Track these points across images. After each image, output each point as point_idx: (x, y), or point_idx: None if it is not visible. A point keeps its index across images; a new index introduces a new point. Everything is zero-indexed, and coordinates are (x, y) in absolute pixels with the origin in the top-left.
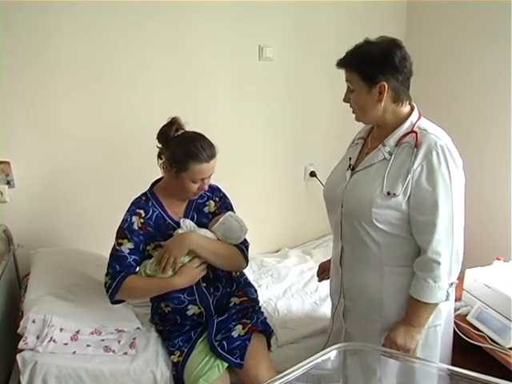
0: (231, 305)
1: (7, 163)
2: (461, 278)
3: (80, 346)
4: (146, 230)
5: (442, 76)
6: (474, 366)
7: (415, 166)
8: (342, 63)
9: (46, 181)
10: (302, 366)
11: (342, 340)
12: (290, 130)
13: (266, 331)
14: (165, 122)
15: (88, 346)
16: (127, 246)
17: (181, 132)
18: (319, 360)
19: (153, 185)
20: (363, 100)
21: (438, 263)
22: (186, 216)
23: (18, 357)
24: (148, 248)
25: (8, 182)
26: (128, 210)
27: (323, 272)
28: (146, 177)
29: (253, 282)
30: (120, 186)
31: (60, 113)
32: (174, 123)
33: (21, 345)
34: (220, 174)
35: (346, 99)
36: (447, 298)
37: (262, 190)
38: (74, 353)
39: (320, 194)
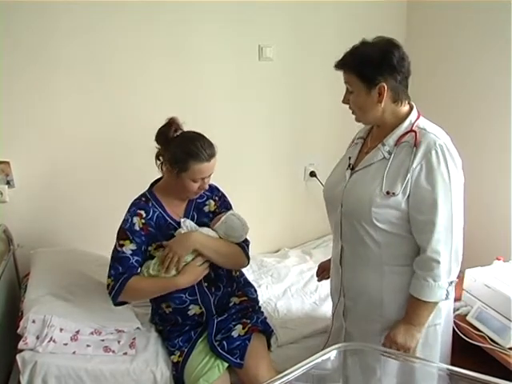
0: (231, 304)
1: (7, 163)
2: (461, 278)
3: (80, 346)
4: (147, 231)
5: (442, 76)
6: (473, 366)
7: (414, 165)
8: (340, 65)
9: (45, 181)
10: (302, 366)
11: (342, 339)
12: (290, 130)
13: (266, 331)
14: (164, 122)
15: (88, 346)
16: (129, 247)
17: (179, 132)
18: (319, 360)
19: (152, 185)
20: (363, 101)
21: (438, 262)
22: (186, 216)
23: (18, 357)
24: (149, 249)
25: (8, 182)
26: (128, 211)
27: (323, 272)
28: (146, 177)
29: (253, 282)
30: (120, 186)
31: (60, 113)
32: (172, 124)
33: (21, 345)
34: (220, 173)
35: (346, 100)
36: (447, 297)
37: (262, 190)
38: (74, 353)
39: (320, 194)
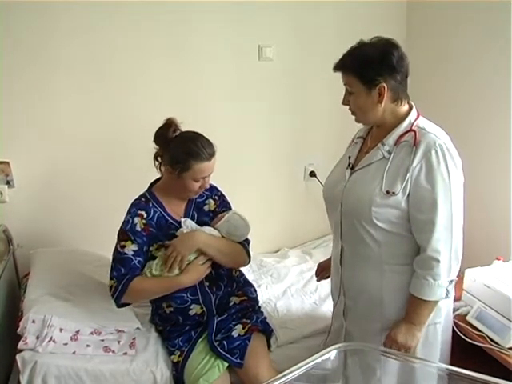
0: (231, 304)
1: (7, 163)
2: (460, 278)
3: (80, 346)
4: (148, 231)
5: (442, 75)
6: (473, 366)
7: (414, 165)
8: (339, 67)
9: (45, 181)
10: (302, 366)
11: (342, 339)
12: (290, 130)
13: (266, 330)
14: (162, 123)
15: (88, 346)
16: (131, 248)
17: (178, 132)
18: (319, 360)
19: (151, 185)
20: (363, 102)
21: (438, 261)
22: (186, 215)
23: (18, 357)
24: (151, 249)
25: (8, 182)
26: (129, 212)
27: (322, 272)
28: (145, 177)
29: (252, 282)
30: (120, 186)
31: (60, 113)
32: (171, 124)
33: (20, 345)
34: (220, 173)
35: (345, 102)
36: (447, 296)
37: (262, 189)
38: (74, 353)
39: (320, 194)
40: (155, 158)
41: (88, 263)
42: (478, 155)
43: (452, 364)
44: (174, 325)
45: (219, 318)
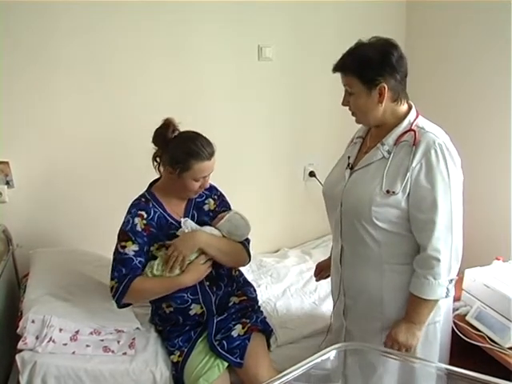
0: (231, 304)
1: (6, 163)
2: (460, 277)
3: (79, 347)
4: (149, 231)
5: (441, 75)
6: (473, 365)
7: (414, 164)
8: (338, 67)
9: (45, 181)
10: (302, 366)
11: (343, 339)
12: (290, 130)
13: (266, 330)
14: (161, 124)
15: (87, 346)
16: (131, 248)
17: (177, 133)
18: (318, 360)
19: (150, 185)
20: (363, 102)
21: (438, 260)
22: (186, 215)
23: (18, 357)
24: (151, 249)
25: (7, 182)
26: (129, 212)
27: (321, 272)
28: (145, 177)
29: (252, 282)
30: (120, 186)
31: (60, 113)
32: (169, 124)
33: (20, 345)
34: (219, 173)
35: (345, 103)
36: (447, 295)
37: (262, 189)
38: (74, 353)
39: (319, 194)
40: (154, 159)
41: (88, 263)
42: (478, 155)
43: (451, 364)
44: (174, 325)
45: (219, 318)
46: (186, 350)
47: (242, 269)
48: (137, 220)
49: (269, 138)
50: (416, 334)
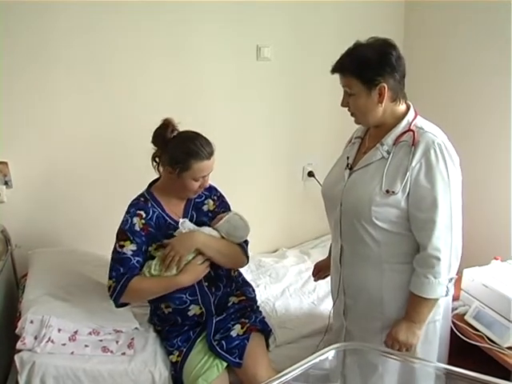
0: (230, 304)
1: (5, 163)
2: (459, 277)
3: (78, 347)
4: (147, 231)
5: (440, 75)
6: (471, 365)
7: (413, 164)
8: (337, 68)
9: (43, 181)
10: (300, 366)
11: (343, 338)
12: (288, 130)
13: (265, 330)
14: (160, 124)
15: (86, 346)
16: (130, 248)
17: (176, 133)
18: (317, 360)
19: (150, 185)
20: (363, 103)
21: (438, 259)
22: (185, 215)
23: (16, 357)
24: (150, 249)
25: (6, 183)
26: (128, 212)
27: (319, 272)
28: (145, 177)
29: (251, 282)
30: (120, 186)
31: (59, 113)
32: (169, 124)
33: (19, 345)
34: (218, 173)
35: (345, 104)
36: (447, 294)
37: (260, 189)
38: (72, 353)
39: (318, 194)
40: (153, 159)
41: (87, 263)
42: (477, 155)
43: (450, 363)
44: (173, 325)
45: (218, 318)
46: (184, 349)
47: (240, 269)
48: (135, 220)
49: (267, 138)
50: (416, 333)
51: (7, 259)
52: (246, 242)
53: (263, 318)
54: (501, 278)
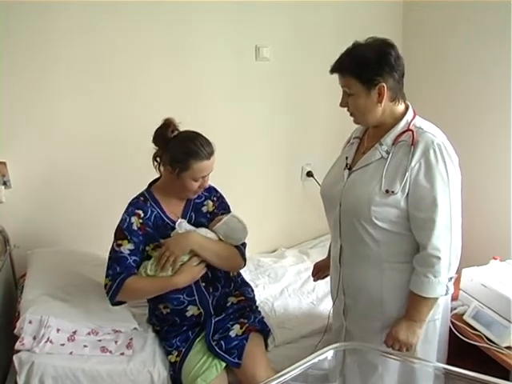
0: (228, 304)
1: (4, 163)
2: (458, 277)
3: (77, 347)
4: (145, 231)
5: (439, 76)
6: (470, 365)
7: (413, 164)
8: (336, 68)
9: (42, 181)
10: (299, 366)
11: (343, 338)
12: (287, 130)
13: (264, 330)
14: (161, 124)
15: (85, 346)
16: (127, 247)
17: (176, 132)
18: (316, 360)
19: (150, 185)
20: (363, 103)
21: (438, 258)
22: (184, 216)
23: (15, 357)
24: (147, 249)
25: (4, 183)
26: (126, 211)
27: (318, 272)
28: (145, 177)
29: (250, 282)
30: (120, 186)
31: (59, 113)
32: (169, 124)
33: (17, 345)
34: (217, 173)
35: (344, 104)
36: (447, 292)
37: (259, 189)
38: (71, 353)
39: (317, 194)
40: (154, 159)
41: (85, 263)
42: (476, 155)
43: (449, 363)
44: (172, 325)
45: (217, 318)
46: (183, 350)
47: None
48: (133, 219)
49: (266, 138)
50: (416, 332)
51: (6, 259)
52: (244, 244)
53: (262, 318)
54: (500, 277)
